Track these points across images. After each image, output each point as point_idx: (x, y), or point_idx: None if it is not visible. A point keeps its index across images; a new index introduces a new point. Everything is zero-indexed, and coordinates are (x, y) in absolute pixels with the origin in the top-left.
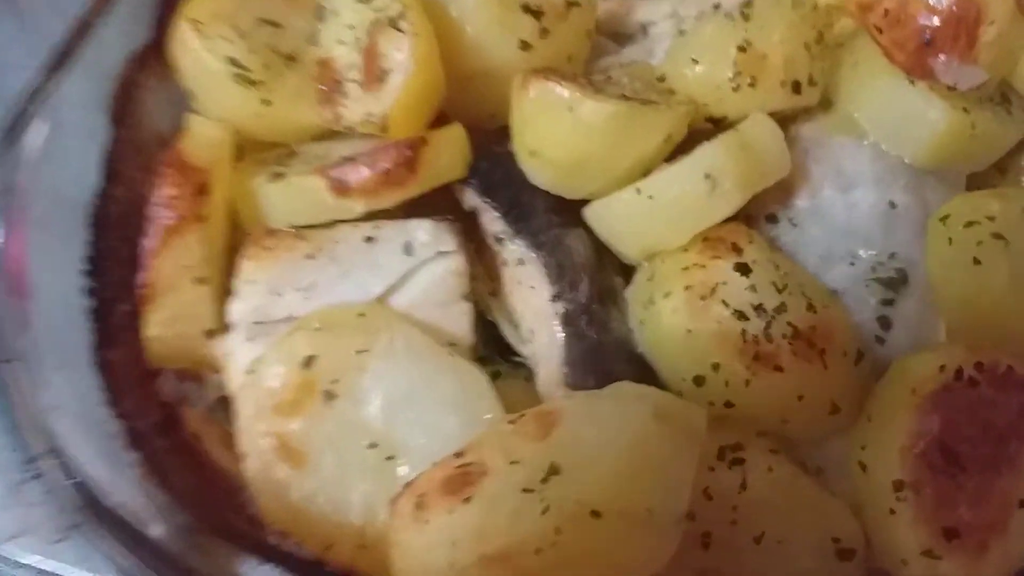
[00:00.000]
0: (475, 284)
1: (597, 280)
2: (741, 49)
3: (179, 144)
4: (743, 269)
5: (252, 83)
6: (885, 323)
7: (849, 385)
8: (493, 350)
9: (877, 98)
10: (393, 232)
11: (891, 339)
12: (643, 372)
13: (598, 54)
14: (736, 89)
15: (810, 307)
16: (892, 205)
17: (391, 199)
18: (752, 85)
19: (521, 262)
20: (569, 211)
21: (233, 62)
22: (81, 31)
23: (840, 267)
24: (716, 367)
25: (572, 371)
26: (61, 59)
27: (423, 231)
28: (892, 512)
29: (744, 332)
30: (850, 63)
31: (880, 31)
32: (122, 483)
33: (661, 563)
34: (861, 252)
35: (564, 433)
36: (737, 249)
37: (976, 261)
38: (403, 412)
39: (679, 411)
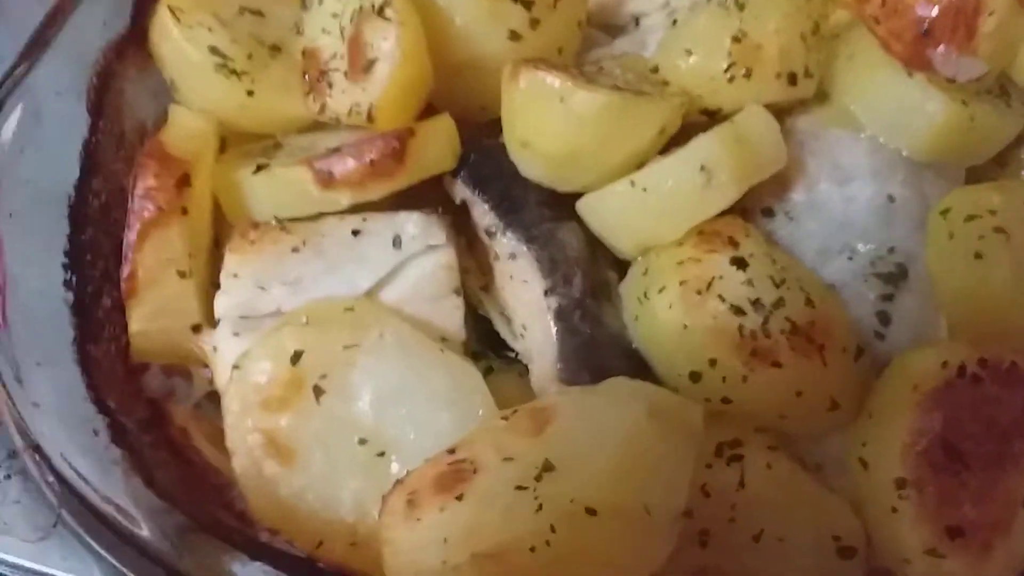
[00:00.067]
0: (466, 278)
1: (591, 274)
2: (736, 40)
3: (160, 135)
4: (739, 263)
5: (235, 73)
6: (884, 318)
7: (848, 381)
8: (486, 345)
9: (874, 90)
10: (381, 225)
11: (891, 335)
12: (638, 368)
13: (589, 46)
14: (731, 80)
15: (808, 302)
16: (890, 199)
17: (378, 191)
18: (747, 76)
19: (513, 256)
20: (562, 204)
21: (215, 51)
22: (57, 18)
23: (838, 261)
24: (713, 363)
25: (566, 366)
26: (37, 47)
27: (412, 224)
28: (894, 510)
29: (741, 327)
30: (846, 54)
31: (877, 21)
32: (106, 480)
33: (658, 562)
34: (859, 246)
35: (558, 429)
36: (733, 243)
37: (977, 255)
38: (394, 408)
39: (675, 407)
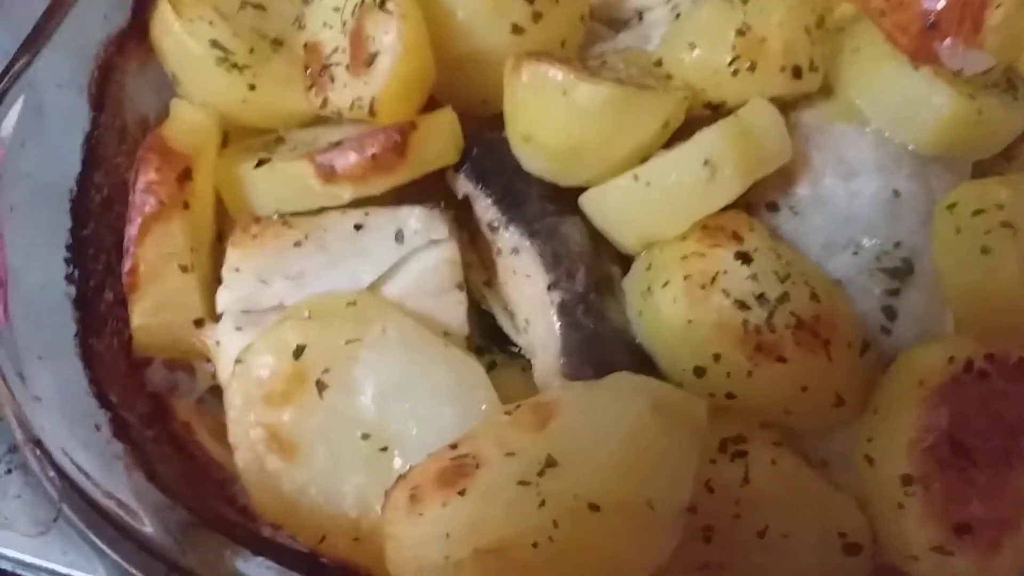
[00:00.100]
0: (469, 273)
1: (594, 269)
2: (740, 33)
3: (162, 129)
4: (744, 258)
5: (237, 67)
6: (890, 313)
7: (854, 376)
8: (489, 340)
9: (880, 84)
10: (383, 219)
11: (897, 330)
12: (642, 363)
13: (592, 40)
14: (735, 74)
15: (813, 296)
16: (896, 193)
17: (380, 185)
18: (751, 70)
19: (515, 251)
20: (564, 199)
21: (217, 45)
22: (58, 11)
23: (843, 256)
24: (717, 358)
25: (569, 361)
26: (37, 40)
27: (414, 218)
28: (900, 507)
29: (746, 322)
30: (851, 48)
31: (883, 14)
32: (107, 475)
33: (662, 558)
34: (864, 241)
35: (561, 424)
36: (737, 237)
37: (984, 250)
38: (396, 403)
39: (679, 402)
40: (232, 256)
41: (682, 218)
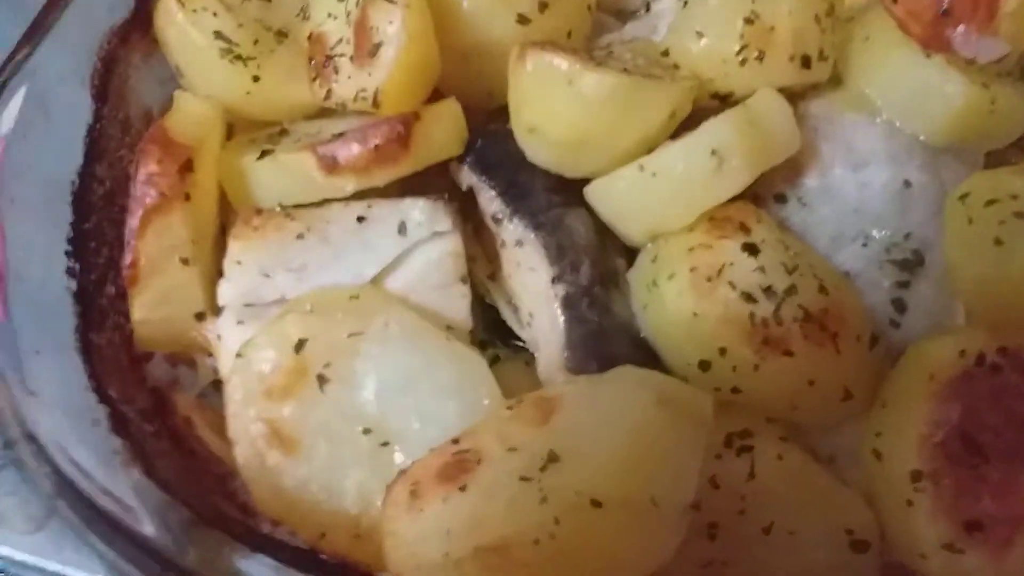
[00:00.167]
0: (473, 266)
1: (599, 262)
2: (748, 21)
3: (164, 120)
4: (751, 249)
5: (241, 59)
6: (900, 306)
7: (862, 370)
8: (492, 334)
9: (890, 73)
10: (386, 212)
11: (906, 323)
12: (647, 357)
13: (599, 31)
14: (743, 63)
15: (822, 289)
16: (907, 184)
17: (383, 177)
18: (759, 59)
19: (520, 243)
20: (569, 190)
21: (220, 37)
22: (60, 2)
23: (852, 248)
24: (723, 351)
25: (573, 355)
26: (39, 31)
27: (418, 211)
28: (910, 503)
29: (752, 315)
30: (862, 37)
31: (894, 1)
32: (105, 471)
33: (665, 555)
34: (874, 232)
35: (564, 419)
36: (745, 229)
37: (997, 241)
38: (398, 397)
39: (684, 396)
40: (234, 249)
41: (689, 209)
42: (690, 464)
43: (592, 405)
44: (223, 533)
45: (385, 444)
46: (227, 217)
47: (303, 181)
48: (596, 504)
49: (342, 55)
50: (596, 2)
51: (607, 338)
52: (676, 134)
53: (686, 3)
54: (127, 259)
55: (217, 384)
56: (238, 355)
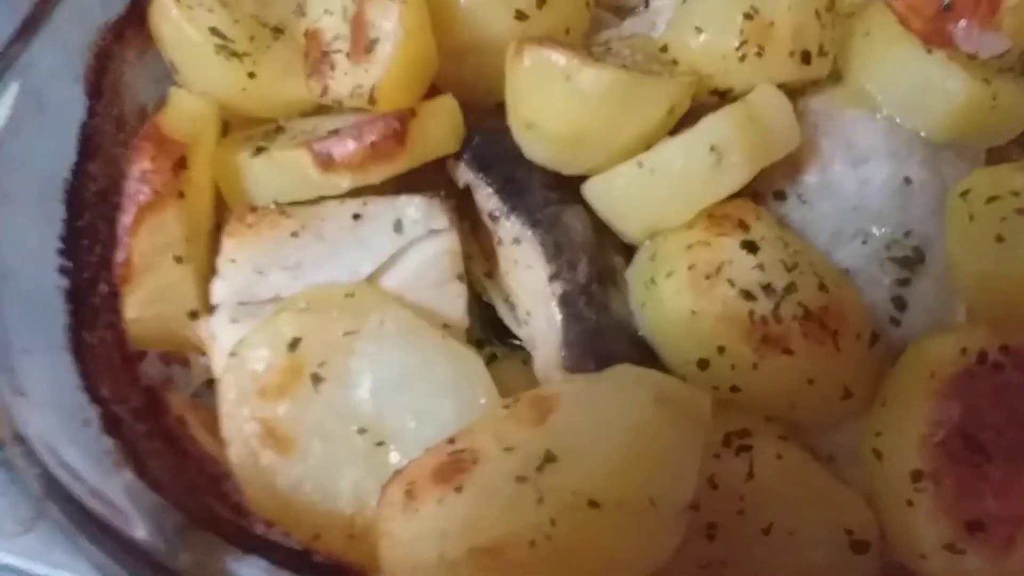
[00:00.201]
0: (469, 264)
1: (597, 259)
2: (747, 16)
3: (158, 117)
4: (750, 247)
5: (236, 55)
6: (900, 304)
7: (863, 368)
8: (489, 332)
9: (891, 69)
10: (382, 209)
11: (907, 321)
12: (645, 355)
13: (597, 27)
14: (742, 59)
15: (821, 287)
16: (907, 181)
17: (379, 174)
18: (759, 55)
19: (517, 241)
20: (567, 187)
21: (216, 33)
22: None
23: (852, 245)
24: (721, 350)
25: (570, 354)
26: (32, 26)
27: (414, 208)
28: (910, 503)
29: (751, 313)
30: (862, 32)
31: None
32: (95, 472)
33: (664, 556)
34: (874, 230)
35: (561, 418)
36: (744, 226)
37: (999, 238)
38: (394, 396)
39: (682, 395)
40: (228, 246)
41: (687, 206)
42: (688, 464)
43: (589, 404)
44: (215, 535)
45: (380, 444)
46: (222, 215)
47: (298, 178)
48: (593, 504)
49: (338, 51)
50: None
51: (605, 336)
52: (675, 130)
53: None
54: (120, 257)
55: (211, 383)
56: (232, 354)
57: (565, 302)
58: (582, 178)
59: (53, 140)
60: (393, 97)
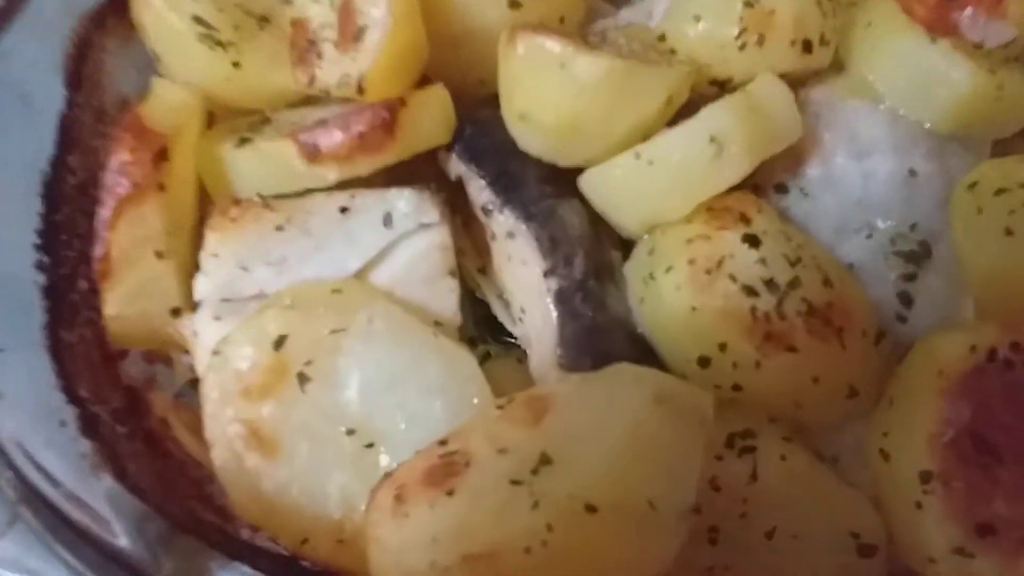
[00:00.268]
0: (462, 259)
1: (593, 254)
2: (747, 4)
3: (138, 108)
4: (752, 241)
5: (220, 44)
6: (906, 300)
7: (868, 366)
8: (483, 330)
9: (894, 58)
10: (371, 202)
11: (913, 317)
12: (643, 353)
13: (593, 17)
14: (742, 48)
15: (826, 282)
16: (912, 173)
17: (367, 166)
18: (759, 44)
19: (511, 235)
20: (562, 180)
21: (199, 21)
22: None
23: (856, 240)
24: (723, 347)
25: (566, 352)
26: (7, 14)
27: (404, 201)
28: (918, 506)
29: (754, 309)
30: (864, 21)
31: None
32: (71, 475)
33: (664, 562)
34: (879, 223)
35: (556, 419)
36: (745, 219)
37: (1008, 231)
38: (383, 396)
39: (683, 395)
40: (210, 241)
41: (686, 199)
42: (689, 466)
43: (586, 404)
44: (199, 540)
45: (369, 445)
46: (206, 208)
47: (283, 170)
48: (591, 509)
49: (326, 40)
50: None
51: (602, 334)
52: (673, 122)
53: None
54: (98, 251)
55: (195, 383)
56: (215, 352)
57: (561, 299)
58: (578, 171)
59: (31, 131)
60: (382, 87)
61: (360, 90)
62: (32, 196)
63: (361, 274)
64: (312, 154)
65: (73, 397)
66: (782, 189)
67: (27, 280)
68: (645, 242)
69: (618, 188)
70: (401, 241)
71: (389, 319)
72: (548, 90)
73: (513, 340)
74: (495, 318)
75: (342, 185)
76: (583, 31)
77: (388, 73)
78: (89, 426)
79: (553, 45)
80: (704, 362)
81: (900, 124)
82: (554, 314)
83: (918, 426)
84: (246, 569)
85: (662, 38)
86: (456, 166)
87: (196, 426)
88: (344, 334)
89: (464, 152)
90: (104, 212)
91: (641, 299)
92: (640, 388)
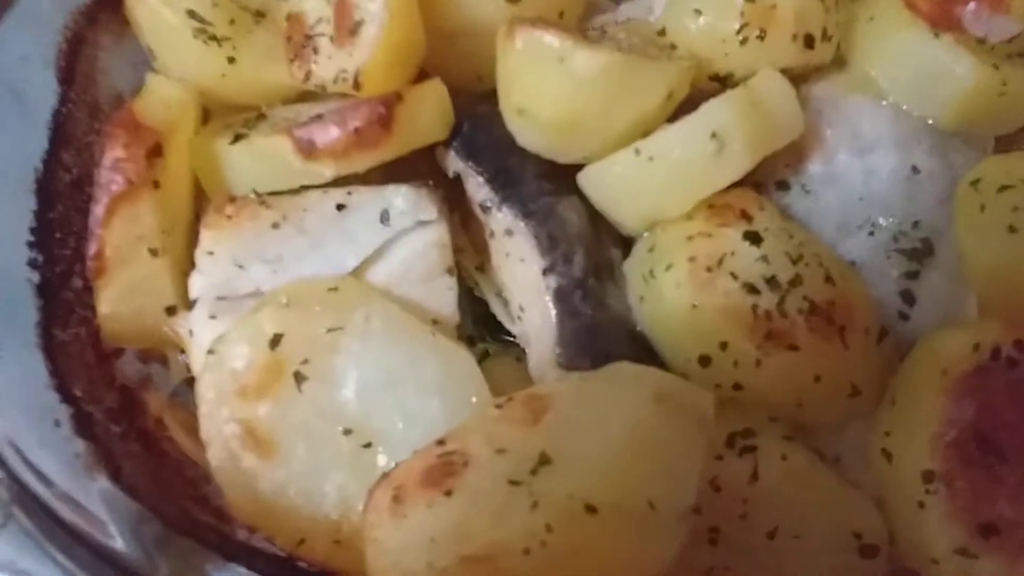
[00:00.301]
0: (460, 257)
1: (593, 252)
2: None
3: (132, 103)
4: (753, 238)
5: (215, 39)
6: (909, 298)
7: (871, 365)
8: (481, 329)
9: (897, 54)
10: (368, 199)
11: (916, 315)
12: (643, 352)
13: (593, 12)
14: (743, 43)
15: (828, 280)
16: (915, 170)
17: (364, 162)
18: (761, 38)
19: (509, 232)
20: (562, 177)
21: (194, 16)
22: None
23: (858, 237)
24: (724, 346)
25: (565, 351)
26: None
27: (401, 198)
28: (921, 506)
29: (755, 307)
30: (867, 16)
31: None
32: (65, 475)
33: (664, 563)
34: (881, 221)
35: (555, 419)
36: (746, 216)
37: (1012, 228)
38: (381, 396)
39: (683, 394)
40: (206, 238)
41: (687, 196)
42: (690, 465)
43: (586, 403)
44: (195, 541)
45: (367, 445)
46: (201, 206)
47: (279, 167)
48: (590, 509)
49: (322, 35)
50: None
51: (601, 332)
52: (674, 117)
53: None
54: (92, 249)
55: (191, 382)
56: (210, 351)
57: (560, 297)
58: (577, 167)
59: (23, 128)
60: (379, 82)
61: (356, 85)
62: (25, 193)
63: (358, 272)
64: (308, 150)
65: (67, 396)
66: (784, 186)
67: (20, 278)
68: (645, 239)
69: (618, 185)
70: (398, 238)
71: (386, 317)
72: (547, 85)
73: (512, 339)
74: (493, 316)
75: (339, 182)
76: (582, 26)
77: (385, 68)
78: (83, 426)
79: (552, 39)
80: (704, 361)
81: (903, 120)
82: (553, 312)
83: (921, 425)
84: (242, 570)
85: (662, 33)
86: (454, 162)
87: (192, 426)
88: (341, 333)
89: (462, 148)
90: (98, 209)
91: (641, 297)
92: (640, 387)
